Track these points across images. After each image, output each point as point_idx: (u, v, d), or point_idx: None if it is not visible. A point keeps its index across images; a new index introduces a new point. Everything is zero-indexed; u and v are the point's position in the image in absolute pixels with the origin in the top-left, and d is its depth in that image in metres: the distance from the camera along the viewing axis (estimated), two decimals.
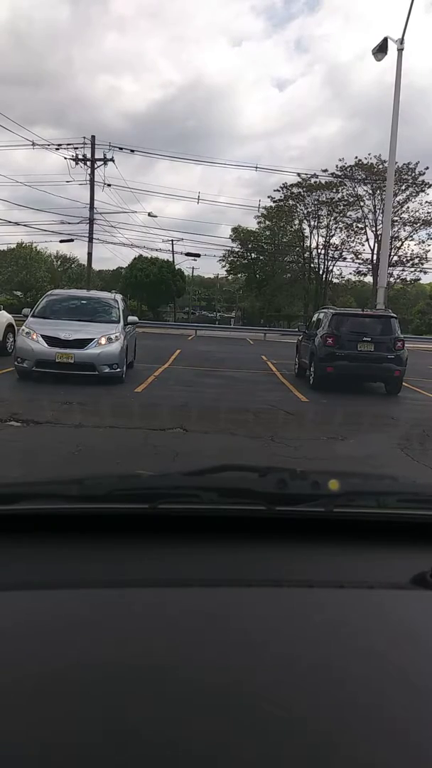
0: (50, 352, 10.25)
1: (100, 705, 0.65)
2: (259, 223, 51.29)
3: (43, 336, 10.44)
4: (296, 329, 20.11)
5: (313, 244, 48.47)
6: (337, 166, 43.13)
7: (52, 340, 10.37)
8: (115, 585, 0.91)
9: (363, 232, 45.58)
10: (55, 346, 10.31)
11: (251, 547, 1.05)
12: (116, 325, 11.22)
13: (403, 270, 44.85)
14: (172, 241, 50.32)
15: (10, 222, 51.28)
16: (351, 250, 46.51)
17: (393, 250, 40.44)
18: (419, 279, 46.82)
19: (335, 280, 49.94)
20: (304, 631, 0.81)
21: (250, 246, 52.87)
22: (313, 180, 44.05)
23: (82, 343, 10.39)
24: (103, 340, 10.53)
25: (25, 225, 66.87)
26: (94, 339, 10.49)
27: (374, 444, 7.26)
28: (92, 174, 34.86)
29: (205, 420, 7.85)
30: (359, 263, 46.26)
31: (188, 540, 1.05)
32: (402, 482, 1.70)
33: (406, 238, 44.20)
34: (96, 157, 34.70)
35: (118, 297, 12.91)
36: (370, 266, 44.19)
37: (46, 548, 1.02)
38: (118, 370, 10.64)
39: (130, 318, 12.36)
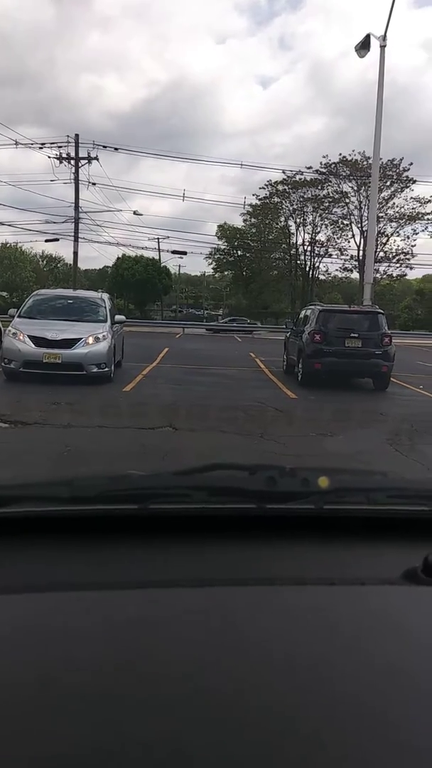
0: (37, 353, 10.17)
1: (94, 708, 0.65)
2: (245, 220, 51.40)
3: (29, 336, 10.35)
4: (284, 326, 20.16)
5: (299, 241, 48.67)
6: (321, 163, 43.33)
7: (38, 341, 10.29)
8: (106, 587, 0.90)
9: (348, 228, 45.86)
10: (42, 347, 10.23)
11: (243, 545, 1.05)
12: (103, 324, 11.15)
13: (389, 266, 45.18)
14: (158, 239, 50.30)
15: None
16: (337, 246, 46.80)
17: (379, 246, 40.67)
18: (405, 275, 47.24)
19: (322, 277, 50.17)
20: (297, 629, 0.81)
21: (236, 243, 52.91)
22: (298, 177, 44.18)
23: (70, 343, 10.32)
24: (90, 340, 10.47)
25: (9, 225, 66.29)
26: (81, 338, 10.43)
27: (363, 439, 7.29)
28: (76, 173, 34.72)
29: (194, 418, 7.85)
30: (345, 260, 46.53)
31: (180, 540, 1.05)
32: (391, 478, 1.71)
33: (391, 234, 44.54)
34: (80, 155, 34.54)
35: (105, 296, 12.85)
36: (356, 262, 44.40)
37: (36, 551, 1.01)
38: (106, 369, 10.59)
39: (117, 317, 12.31)
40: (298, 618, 0.84)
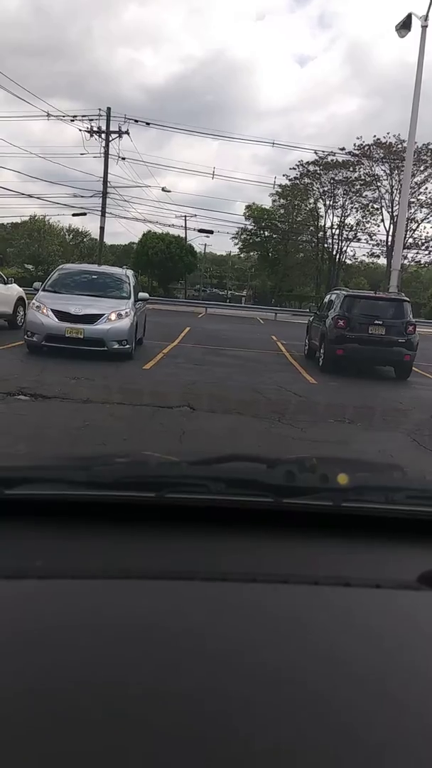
0: (60, 327, 10.21)
1: (100, 698, 0.65)
2: (273, 201, 50.76)
3: (53, 310, 10.39)
4: (307, 310, 19.98)
5: (328, 224, 47.97)
6: (354, 145, 42.47)
7: (62, 315, 10.31)
8: (119, 576, 0.90)
9: (379, 212, 45.04)
10: (65, 321, 10.25)
11: (258, 539, 1.03)
12: (127, 301, 11.14)
13: (417, 253, 44.37)
14: (185, 216, 49.98)
15: (23, 194, 51.27)
16: (366, 231, 46.00)
17: (408, 232, 39.94)
18: None
19: (348, 261, 49.48)
20: (309, 629, 0.80)
21: (263, 224, 52.35)
22: (330, 158, 43.42)
23: (92, 319, 10.34)
24: (113, 316, 10.48)
25: (38, 197, 66.51)
26: (104, 314, 10.43)
27: (382, 429, 7.24)
28: (107, 147, 34.53)
29: (212, 399, 7.85)
30: (373, 245, 45.78)
31: (194, 530, 1.04)
32: (411, 477, 1.67)
33: (422, 220, 43.65)
34: (111, 129, 34.32)
35: (130, 273, 12.82)
36: (384, 248, 43.70)
37: (50, 535, 1.01)
38: (128, 346, 10.61)
39: (141, 294, 12.27)
40: (311, 618, 0.83)
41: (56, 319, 10.30)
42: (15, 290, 14.05)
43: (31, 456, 1.63)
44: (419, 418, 8.02)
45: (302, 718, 0.64)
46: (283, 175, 48.19)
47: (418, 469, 5.56)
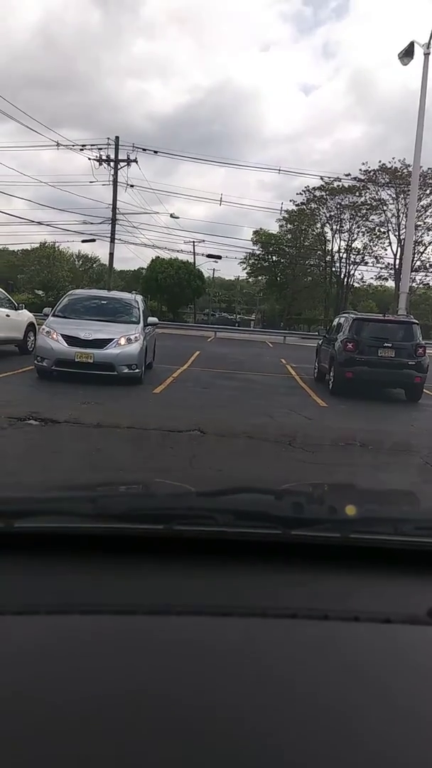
0: (70, 352, 10.24)
1: (101, 737, 0.64)
2: (281, 226, 51.24)
3: (63, 335, 10.45)
4: (316, 333, 20.01)
5: (335, 248, 48.27)
6: (360, 170, 42.94)
7: (72, 340, 10.36)
8: (127, 612, 0.89)
9: (386, 236, 45.32)
10: (75, 346, 10.30)
11: (266, 572, 1.03)
12: (136, 326, 11.21)
13: (426, 275, 44.49)
14: (193, 242, 50.49)
15: (33, 222, 51.99)
16: (373, 254, 46.25)
17: (416, 255, 40.10)
18: None
19: (356, 285, 49.65)
20: (316, 666, 0.79)
21: (271, 249, 52.77)
22: (336, 183, 43.88)
23: (102, 343, 10.39)
24: (122, 341, 10.52)
25: (48, 224, 67.51)
26: (114, 339, 10.49)
27: (393, 452, 7.18)
28: (115, 175, 35.12)
29: (222, 423, 7.83)
30: (381, 268, 45.98)
31: (203, 563, 1.03)
32: (420, 506, 1.65)
33: (429, 243, 43.85)
34: (120, 158, 34.94)
35: (139, 298, 12.87)
36: (392, 271, 43.87)
37: (59, 568, 1.01)
38: (137, 371, 10.62)
39: (150, 319, 12.30)
40: (318, 654, 0.82)
41: (66, 344, 10.35)
42: (26, 316, 14.20)
43: (41, 485, 1.62)
44: (431, 440, 7.95)
45: (311, 756, 0.63)
46: (290, 201, 48.58)
47: (431, 492, 5.50)
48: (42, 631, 0.84)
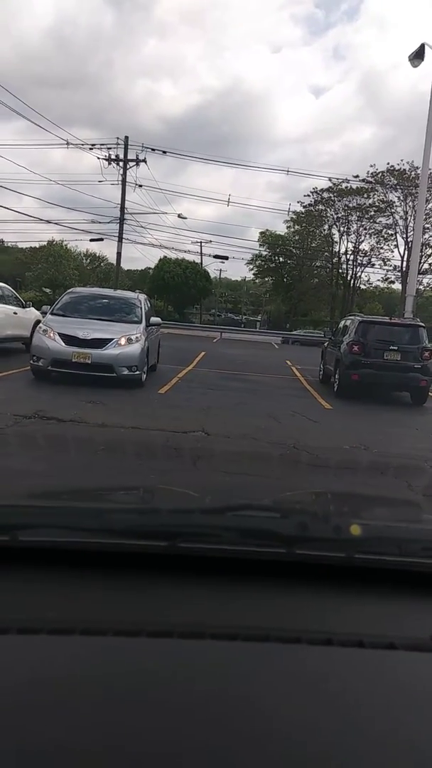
0: (67, 351, 9.82)
1: (104, 759, 0.64)
2: (288, 227, 51.23)
3: (60, 334, 10.03)
4: (321, 334, 20.01)
5: (342, 250, 48.22)
6: (368, 173, 42.86)
7: (69, 339, 9.93)
8: (128, 632, 0.88)
9: (393, 238, 45.23)
10: (72, 345, 9.86)
11: (270, 592, 1.02)
12: (138, 326, 10.77)
13: None
14: (200, 242, 50.53)
15: (42, 220, 52.11)
16: (380, 256, 46.18)
17: (423, 258, 39.98)
18: None
19: (363, 287, 49.58)
20: (321, 693, 0.79)
21: (278, 250, 52.75)
22: (344, 185, 43.82)
23: (101, 343, 9.94)
24: (123, 341, 10.09)
25: (56, 223, 67.64)
26: (113, 339, 10.04)
27: (397, 456, 7.17)
28: (124, 174, 35.19)
29: (227, 424, 7.83)
30: (388, 270, 45.89)
31: (206, 582, 1.03)
32: (426, 523, 1.64)
33: None
34: (128, 158, 35.00)
35: (142, 297, 12.41)
36: (399, 273, 43.76)
37: (61, 583, 1.00)
38: (137, 372, 10.19)
39: (153, 319, 11.84)
40: (322, 681, 0.81)
41: (63, 344, 9.92)
42: (33, 314, 14.21)
43: (44, 492, 1.61)
44: None
45: None
46: (298, 202, 48.52)
47: None
48: (43, 651, 0.84)
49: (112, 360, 9.90)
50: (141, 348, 10.31)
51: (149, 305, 12.58)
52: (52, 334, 10.10)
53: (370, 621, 0.97)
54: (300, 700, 0.76)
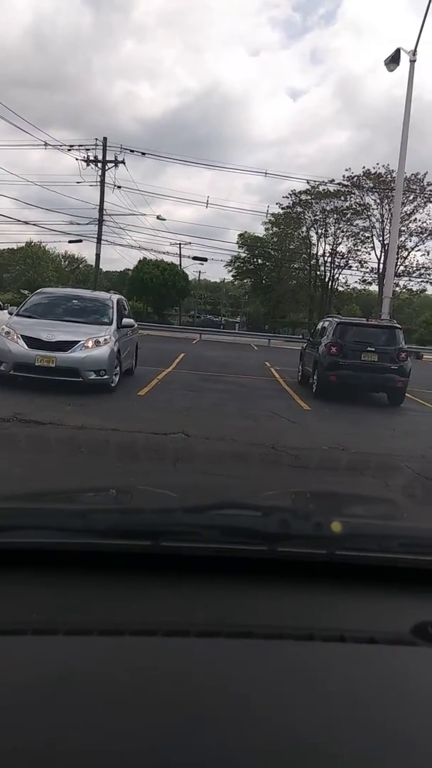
0: (30, 355, 9.26)
1: (94, 759, 0.65)
2: (266, 229, 51.40)
3: (23, 337, 9.45)
4: (300, 336, 20.15)
5: (320, 252, 48.55)
6: (344, 176, 43.22)
7: (32, 341, 9.37)
8: (112, 632, 0.88)
9: (370, 241, 45.65)
10: (36, 348, 9.31)
11: (252, 589, 1.03)
12: (107, 327, 10.22)
13: (409, 280, 44.92)
14: (179, 244, 50.51)
15: (20, 221, 51.72)
16: (357, 258, 46.58)
17: (399, 260, 40.45)
18: (425, 290, 46.84)
19: (340, 288, 49.98)
20: (302, 688, 0.80)
21: (256, 252, 52.93)
22: (321, 188, 44.13)
23: (66, 346, 9.40)
24: (89, 343, 9.55)
25: (34, 224, 66.91)
26: (79, 342, 9.50)
27: (375, 455, 7.27)
28: (102, 175, 35.04)
29: (207, 426, 7.87)
30: (365, 272, 46.31)
31: (189, 580, 1.04)
32: (405, 524, 1.63)
33: (412, 249, 44.27)
34: (107, 159, 34.88)
35: (115, 297, 11.70)
36: (376, 275, 44.20)
37: (44, 584, 1.01)
38: (106, 377, 9.63)
39: (126, 320, 11.20)
40: (305, 676, 0.83)
41: (26, 347, 9.34)
42: (6, 316, 14.10)
43: (24, 495, 1.60)
44: (412, 443, 8.07)
45: None
46: (276, 204, 48.74)
47: (411, 496, 5.59)
48: (27, 652, 0.84)
49: (77, 363, 9.38)
50: (110, 351, 9.78)
51: (124, 306, 12.08)
52: (14, 337, 9.54)
53: (351, 616, 0.99)
54: (284, 694, 0.78)
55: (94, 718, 0.71)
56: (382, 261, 41.94)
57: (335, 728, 0.72)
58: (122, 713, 0.71)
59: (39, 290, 12.34)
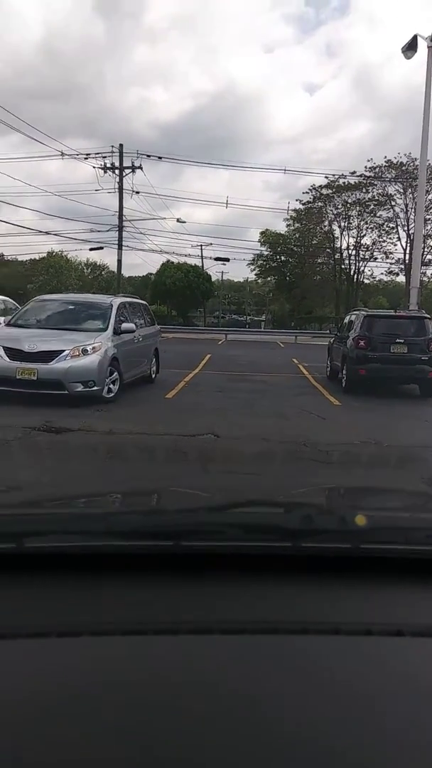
0: (10, 367, 8.65)
1: (106, 762, 0.63)
2: (288, 225, 51.16)
3: (4, 348, 8.88)
4: (327, 331, 19.97)
5: (344, 245, 48.10)
6: (365, 167, 42.76)
7: (14, 353, 8.77)
8: (136, 632, 0.88)
9: (394, 231, 45.08)
10: (18, 360, 8.71)
11: (277, 586, 1.02)
12: (101, 334, 9.45)
13: None
14: (201, 246, 50.58)
15: (41, 231, 52.33)
16: (382, 250, 46.02)
17: (426, 249, 39.82)
18: None
19: (366, 281, 49.45)
20: (331, 683, 0.79)
21: (279, 249, 52.72)
22: (341, 181, 43.75)
23: (49, 356, 8.73)
24: (76, 352, 8.85)
25: (55, 234, 67.92)
26: (64, 351, 8.80)
27: (408, 447, 7.11)
28: (120, 182, 35.27)
29: (236, 426, 7.80)
30: (391, 263, 45.73)
31: (212, 579, 1.03)
32: (430, 515, 1.63)
33: None
34: (124, 165, 35.09)
35: (117, 301, 10.73)
36: (402, 266, 43.61)
37: (69, 587, 1.00)
38: (96, 388, 8.86)
39: (125, 326, 10.13)
40: (332, 671, 0.81)
41: (7, 359, 8.75)
42: None
43: (52, 499, 1.62)
44: None
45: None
46: (296, 200, 48.42)
47: None
48: (52, 654, 0.84)
49: (60, 375, 8.66)
50: (99, 359, 8.97)
51: (126, 309, 10.88)
52: None
53: (377, 610, 0.97)
54: (311, 690, 0.76)
55: (117, 716, 0.70)
56: (407, 251, 41.39)
57: (366, 722, 0.71)
58: (147, 712, 0.71)
59: (35, 298, 11.83)
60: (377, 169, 42.43)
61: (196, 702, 0.73)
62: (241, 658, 0.83)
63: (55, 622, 0.89)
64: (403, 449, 7.04)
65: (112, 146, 35.37)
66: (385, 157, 42.74)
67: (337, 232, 47.92)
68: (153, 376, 11.85)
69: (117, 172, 35.13)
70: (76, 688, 0.76)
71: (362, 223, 46.02)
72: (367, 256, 47.08)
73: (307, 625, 0.89)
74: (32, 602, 0.96)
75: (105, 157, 34.96)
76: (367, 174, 42.54)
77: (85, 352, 8.97)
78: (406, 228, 43.26)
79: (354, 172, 42.83)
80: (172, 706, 0.72)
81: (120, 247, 35.82)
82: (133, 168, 35.24)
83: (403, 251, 43.74)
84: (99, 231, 38.17)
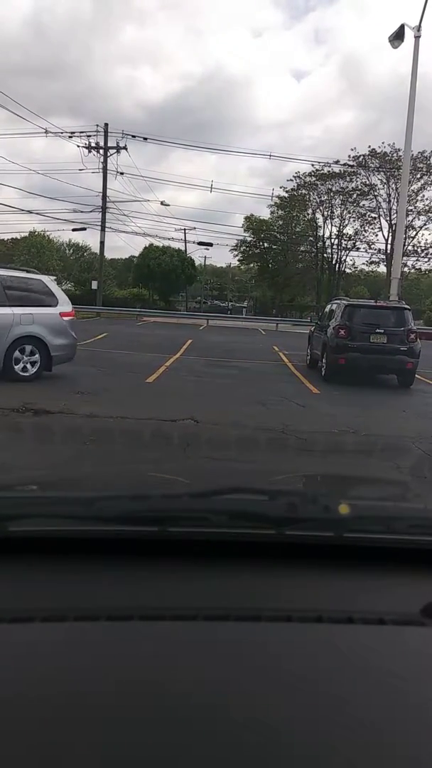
0: None
1: (100, 747, 0.64)
2: (272, 212, 51.02)
3: None
4: (308, 320, 20.07)
5: (326, 234, 48.16)
6: (349, 156, 42.74)
7: None
8: (122, 617, 0.88)
9: (377, 221, 45.24)
10: None
11: (260, 573, 1.03)
12: None
13: (417, 260, 44.49)
14: (184, 230, 50.30)
15: (23, 210, 51.62)
16: (364, 239, 46.18)
17: (407, 240, 40.04)
18: None
19: (348, 270, 49.64)
20: (311, 671, 0.80)
21: (262, 235, 52.56)
22: (326, 169, 43.68)
23: None
24: None
25: (38, 213, 66.98)
26: None
27: (385, 437, 7.23)
28: (105, 162, 34.90)
29: (216, 411, 7.84)
30: (372, 253, 45.94)
31: (196, 565, 1.04)
32: (413, 500, 1.66)
33: (420, 228, 43.81)
34: (109, 145, 34.67)
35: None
36: (383, 256, 43.83)
37: (52, 572, 1.01)
38: None
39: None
40: (314, 658, 0.82)
41: None
42: None
43: (34, 482, 1.60)
44: (423, 425, 8.01)
45: (308, 761, 0.64)
46: (281, 187, 48.29)
47: (422, 478, 5.56)
48: (37, 639, 0.84)
49: None
50: None
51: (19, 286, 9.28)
52: None
53: (360, 598, 0.99)
54: (293, 677, 0.77)
55: (102, 701, 0.71)
56: (389, 241, 41.60)
57: (347, 710, 0.72)
58: (131, 697, 0.71)
59: None
60: (360, 158, 42.44)
61: (180, 687, 0.74)
62: (224, 645, 0.84)
63: (39, 606, 0.89)
64: (379, 438, 7.15)
65: (97, 125, 34.97)
66: (369, 146, 42.79)
67: (320, 221, 48.00)
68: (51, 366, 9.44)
69: (101, 152, 34.69)
70: (60, 673, 0.76)
71: (345, 212, 46.13)
72: (349, 246, 47.25)
73: (290, 612, 0.90)
74: (15, 587, 0.97)
75: (90, 136, 34.60)
76: (351, 163, 42.54)
77: None
78: (388, 218, 43.45)
79: (338, 161, 42.84)
80: (157, 691, 0.73)
81: (103, 228, 35.53)
82: (118, 148, 34.89)
83: (384, 241, 43.99)
84: (82, 212, 37.77)
